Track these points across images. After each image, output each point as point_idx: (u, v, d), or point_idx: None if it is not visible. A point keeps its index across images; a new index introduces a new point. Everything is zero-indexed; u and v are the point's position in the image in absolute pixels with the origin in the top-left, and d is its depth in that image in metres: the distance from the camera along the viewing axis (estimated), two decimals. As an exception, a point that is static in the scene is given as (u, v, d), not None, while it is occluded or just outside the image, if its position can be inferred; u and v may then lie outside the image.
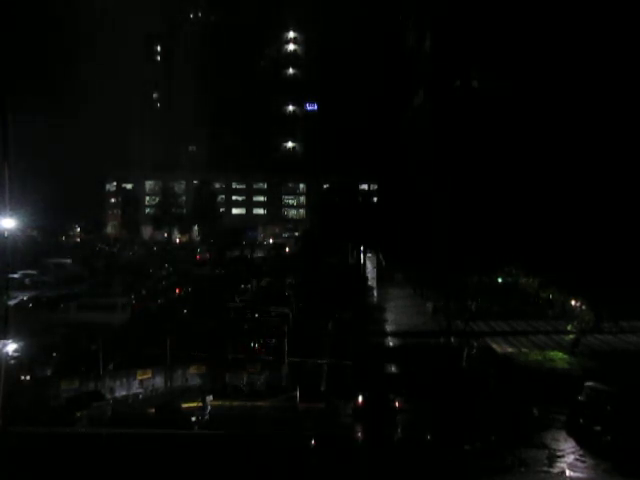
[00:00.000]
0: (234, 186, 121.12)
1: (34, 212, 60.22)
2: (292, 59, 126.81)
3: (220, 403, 25.00)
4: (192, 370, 27.47)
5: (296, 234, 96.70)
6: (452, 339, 33.73)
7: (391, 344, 36.71)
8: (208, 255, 76.48)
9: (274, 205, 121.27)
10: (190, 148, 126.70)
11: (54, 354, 28.39)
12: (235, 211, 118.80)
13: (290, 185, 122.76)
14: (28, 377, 25.56)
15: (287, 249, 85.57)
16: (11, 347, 26.50)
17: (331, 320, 37.86)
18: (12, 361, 25.93)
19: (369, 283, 57.86)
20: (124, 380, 26.03)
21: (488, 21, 60.95)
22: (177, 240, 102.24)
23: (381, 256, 61.44)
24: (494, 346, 35.94)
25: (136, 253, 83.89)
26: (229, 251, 77.30)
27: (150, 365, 26.78)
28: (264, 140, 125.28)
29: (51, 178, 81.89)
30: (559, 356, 33.64)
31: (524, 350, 35.16)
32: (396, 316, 44.61)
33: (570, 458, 20.85)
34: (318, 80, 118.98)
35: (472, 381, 27.80)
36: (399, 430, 23.15)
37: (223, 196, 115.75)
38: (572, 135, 50.87)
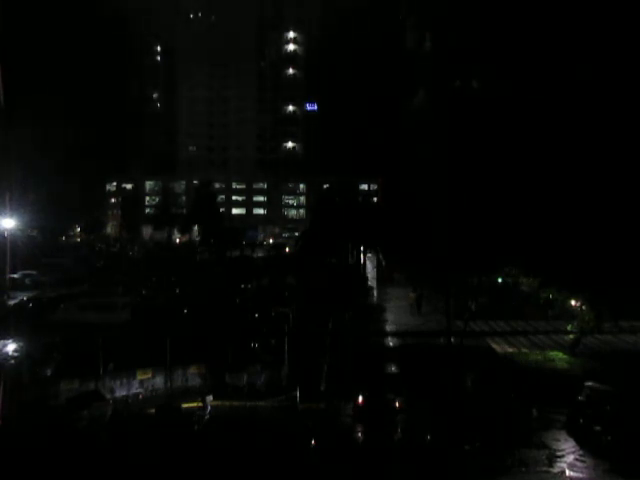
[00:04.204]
0: (234, 186, 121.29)
1: (34, 212, 60.40)
2: (292, 59, 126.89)
3: (220, 403, 25.00)
4: (192, 370, 27.45)
5: (296, 234, 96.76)
6: (452, 339, 33.70)
7: (391, 344, 36.74)
8: (208, 255, 76.52)
9: (274, 205, 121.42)
10: (190, 148, 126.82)
11: (54, 354, 28.35)
12: (235, 211, 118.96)
13: (290, 185, 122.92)
14: (28, 377, 25.53)
15: (287, 249, 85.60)
16: (11, 347, 26.58)
17: (331, 320, 37.88)
18: (12, 361, 25.95)
19: (369, 283, 57.89)
20: (124, 380, 26.02)
21: (488, 20, 60.97)
22: (177, 240, 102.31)
23: (381, 256, 61.45)
24: (494, 346, 35.97)
25: (136, 253, 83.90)
26: (229, 251, 77.34)
27: (150, 365, 26.77)
28: (264, 140, 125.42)
29: (51, 178, 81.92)
30: (559, 356, 33.65)
31: (524, 350, 35.18)
32: (396, 316, 44.64)
33: (570, 458, 20.84)
34: (318, 80, 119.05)
35: (472, 381, 27.80)
36: (399, 430, 23.14)
37: (223, 196, 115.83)
38: (572, 133, 50.82)
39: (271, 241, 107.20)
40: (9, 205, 40.97)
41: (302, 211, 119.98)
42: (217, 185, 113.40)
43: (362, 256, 58.47)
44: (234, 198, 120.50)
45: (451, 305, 32.80)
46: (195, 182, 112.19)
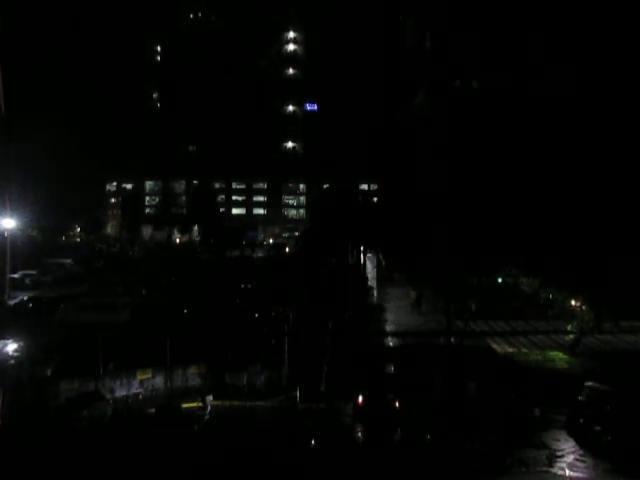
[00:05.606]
0: (234, 186, 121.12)
1: (34, 212, 60.41)
2: (292, 59, 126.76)
3: (220, 403, 25.01)
4: (192, 370, 27.46)
5: (296, 234, 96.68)
6: (452, 339, 33.74)
7: (391, 344, 36.74)
8: (208, 255, 76.48)
9: (274, 205, 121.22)
10: (190, 148, 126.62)
11: (54, 354, 28.37)
12: (235, 211, 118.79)
13: (290, 185, 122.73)
14: (28, 377, 25.54)
15: (287, 249, 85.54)
16: (11, 347, 26.60)
17: (331, 320, 37.88)
18: (12, 361, 25.96)
19: (369, 283, 57.87)
20: (124, 380, 26.03)
21: (488, 20, 60.98)
22: (177, 240, 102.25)
23: (381, 256, 61.41)
24: (494, 346, 35.97)
25: (136, 253, 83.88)
26: (229, 251, 77.31)
27: (150, 365, 26.77)
28: (264, 140, 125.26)
29: (51, 178, 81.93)
30: (559, 356, 33.67)
31: (524, 350, 35.19)
32: (396, 316, 44.65)
33: (570, 458, 20.85)
34: (318, 80, 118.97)
35: (472, 381, 27.79)
36: (399, 430, 23.14)
37: (223, 196, 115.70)
38: (573, 134, 50.82)
39: (271, 241, 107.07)
40: (9, 205, 40.98)
41: (302, 211, 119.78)
42: (217, 185, 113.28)
43: (362, 256, 58.40)
44: (234, 198, 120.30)
45: (451, 305, 32.81)
46: (195, 182, 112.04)
